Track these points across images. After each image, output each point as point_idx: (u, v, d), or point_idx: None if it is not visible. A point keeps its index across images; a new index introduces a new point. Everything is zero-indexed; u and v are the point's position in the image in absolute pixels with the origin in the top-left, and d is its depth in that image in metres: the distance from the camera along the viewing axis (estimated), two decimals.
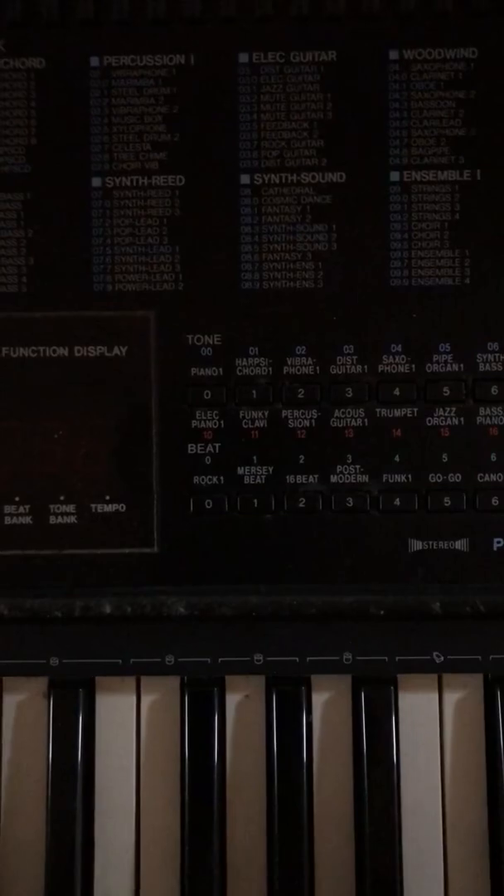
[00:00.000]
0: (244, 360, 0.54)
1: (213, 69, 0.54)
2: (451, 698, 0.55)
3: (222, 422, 0.54)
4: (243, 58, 0.53)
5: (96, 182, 0.54)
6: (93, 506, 0.54)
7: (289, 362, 0.54)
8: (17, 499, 0.54)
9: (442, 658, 0.54)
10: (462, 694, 0.55)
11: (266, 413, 0.54)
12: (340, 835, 0.54)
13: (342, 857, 0.54)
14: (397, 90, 0.53)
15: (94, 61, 0.54)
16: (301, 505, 0.54)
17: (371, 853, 0.52)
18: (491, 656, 0.54)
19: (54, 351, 0.54)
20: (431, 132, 0.53)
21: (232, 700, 0.55)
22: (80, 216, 0.54)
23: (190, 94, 0.54)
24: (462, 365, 0.54)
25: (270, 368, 0.54)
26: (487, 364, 0.54)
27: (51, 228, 0.54)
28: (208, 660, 0.54)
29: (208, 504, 0.54)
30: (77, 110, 0.54)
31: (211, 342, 0.54)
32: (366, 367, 0.54)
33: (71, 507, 0.54)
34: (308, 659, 0.54)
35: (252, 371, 0.54)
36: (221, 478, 0.54)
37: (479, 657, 0.54)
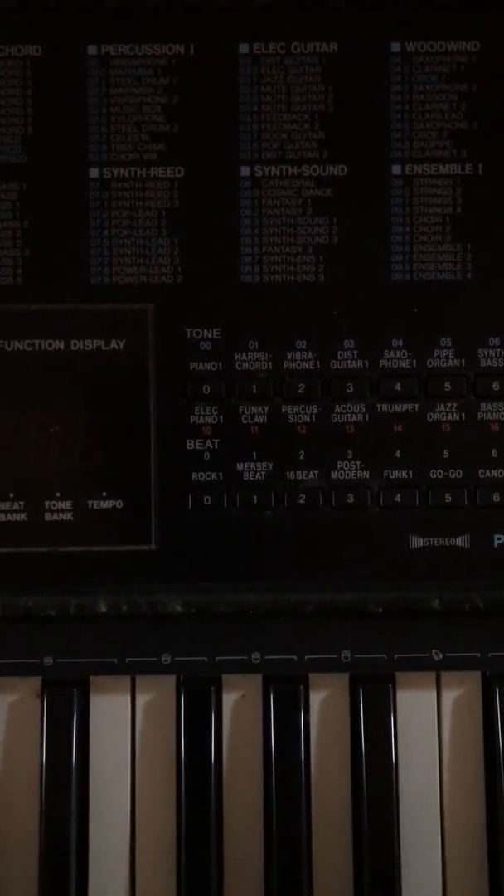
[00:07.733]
0: (244, 354, 0.53)
1: (213, 59, 0.53)
2: (449, 696, 0.54)
3: (221, 417, 0.53)
4: (244, 48, 0.53)
5: (94, 173, 0.53)
6: (89, 502, 0.53)
7: (289, 357, 0.53)
8: (11, 495, 0.53)
9: (441, 655, 0.53)
10: (460, 692, 0.54)
11: (266, 408, 0.53)
12: (339, 835, 0.53)
13: (340, 857, 0.53)
14: (399, 83, 0.53)
15: (92, 49, 0.52)
16: (301, 501, 0.53)
17: (369, 853, 0.52)
18: (490, 654, 0.53)
19: (50, 344, 0.53)
20: (433, 125, 0.53)
21: (229, 699, 0.54)
22: (77, 207, 0.53)
23: (189, 84, 0.53)
24: (463, 360, 0.53)
25: (270, 363, 0.53)
26: (489, 360, 0.53)
27: (47, 220, 0.53)
28: (205, 658, 0.53)
29: (207, 500, 0.53)
30: (74, 99, 0.52)
31: (210, 336, 0.53)
32: (366, 362, 0.53)
33: (67, 504, 0.53)
34: (306, 657, 0.53)
35: (252, 365, 0.53)
36: (220, 474, 0.53)
37: (479, 654, 0.53)
